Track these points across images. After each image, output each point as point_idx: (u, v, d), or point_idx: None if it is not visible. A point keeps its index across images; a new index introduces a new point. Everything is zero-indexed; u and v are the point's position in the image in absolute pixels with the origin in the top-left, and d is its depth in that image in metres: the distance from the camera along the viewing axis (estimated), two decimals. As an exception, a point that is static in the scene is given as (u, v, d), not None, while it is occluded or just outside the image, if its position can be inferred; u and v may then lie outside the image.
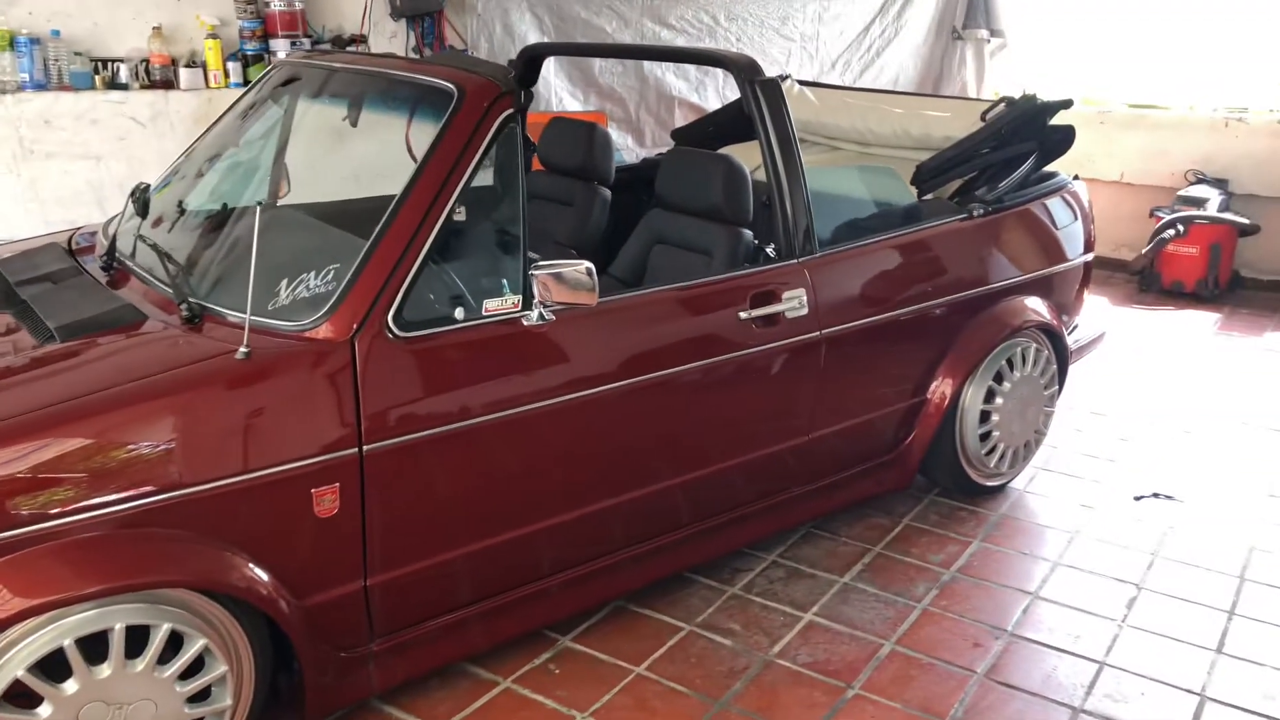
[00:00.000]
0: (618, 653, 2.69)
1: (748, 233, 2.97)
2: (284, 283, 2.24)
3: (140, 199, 2.71)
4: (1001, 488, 3.62)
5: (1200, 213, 6.03)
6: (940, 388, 3.26)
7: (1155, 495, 3.62)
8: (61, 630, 1.84)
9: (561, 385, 2.40)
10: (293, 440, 2.06)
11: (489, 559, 2.43)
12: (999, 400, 3.38)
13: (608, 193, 3.61)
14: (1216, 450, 4.02)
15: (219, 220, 2.59)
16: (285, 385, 2.07)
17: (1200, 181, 6.34)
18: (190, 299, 2.22)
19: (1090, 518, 3.46)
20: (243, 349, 2.05)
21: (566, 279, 2.28)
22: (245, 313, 2.10)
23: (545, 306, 2.32)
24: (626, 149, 5.98)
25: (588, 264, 2.29)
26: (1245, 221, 6.05)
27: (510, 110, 2.35)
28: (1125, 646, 2.75)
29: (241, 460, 2.01)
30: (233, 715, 2.10)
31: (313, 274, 2.24)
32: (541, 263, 2.29)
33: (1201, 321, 5.80)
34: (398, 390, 2.18)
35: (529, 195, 2.47)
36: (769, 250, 2.91)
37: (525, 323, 2.33)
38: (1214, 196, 6.14)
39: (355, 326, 2.13)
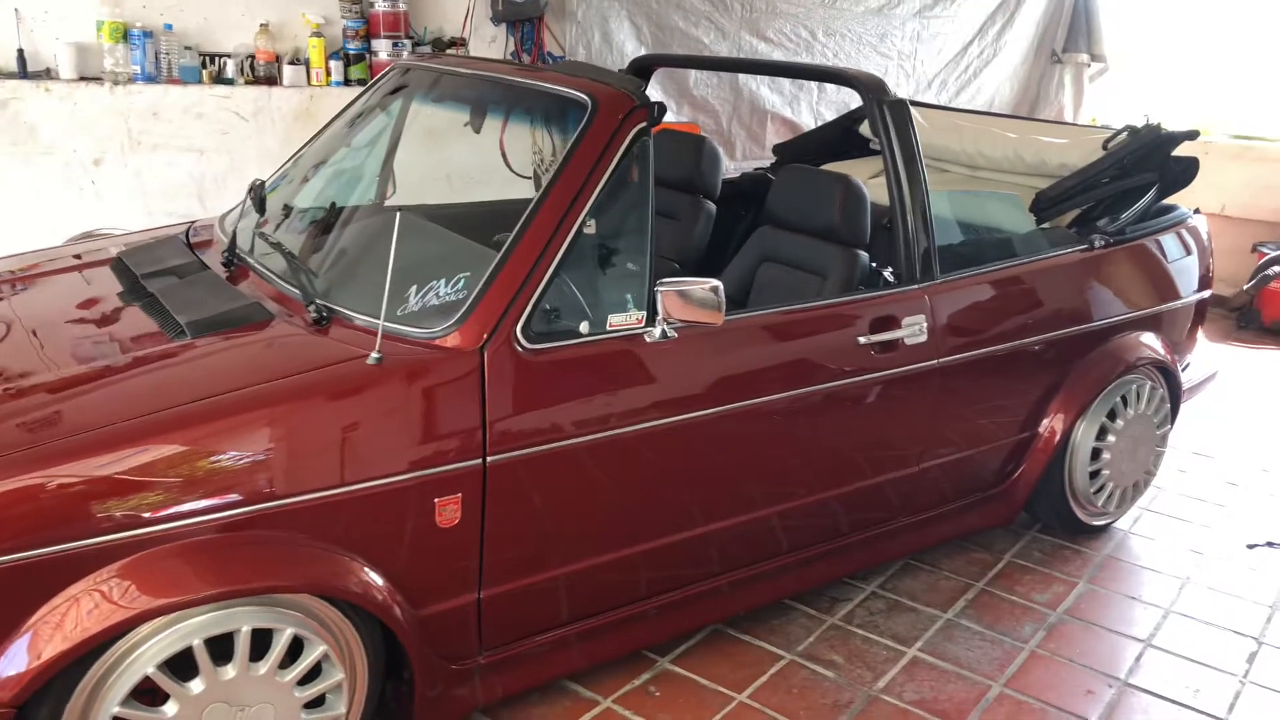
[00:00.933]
0: (719, 678, 2.64)
1: (864, 255, 2.91)
2: (413, 289, 2.22)
3: (257, 196, 2.72)
4: (1106, 527, 3.51)
5: (1307, 250, 5.84)
6: (1052, 423, 3.17)
7: (1270, 544, 3.48)
8: (191, 630, 1.84)
9: (681, 404, 2.36)
10: (419, 448, 2.04)
11: (596, 577, 2.40)
12: (1111, 438, 3.28)
13: (713, 207, 3.57)
14: (1330, 500, 3.87)
15: (344, 221, 2.59)
16: (415, 393, 2.05)
17: (1307, 217, 6.14)
18: (318, 301, 2.22)
19: (1201, 564, 3.34)
20: (374, 354, 2.03)
21: (693, 297, 2.23)
22: (375, 317, 2.10)
23: (669, 324, 2.28)
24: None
25: (715, 282, 2.24)
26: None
27: (643, 124, 2.31)
28: (1249, 705, 2.64)
29: (368, 466, 1.99)
30: (345, 723, 2.09)
31: (443, 281, 2.22)
32: (667, 279, 2.26)
33: (1305, 363, 5.61)
34: (522, 402, 2.15)
35: None
36: (886, 274, 2.85)
37: (647, 339, 2.29)
38: (1322, 234, 5.94)
39: (485, 336, 2.11)
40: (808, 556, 2.84)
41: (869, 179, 3.50)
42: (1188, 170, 3.55)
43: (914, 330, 2.74)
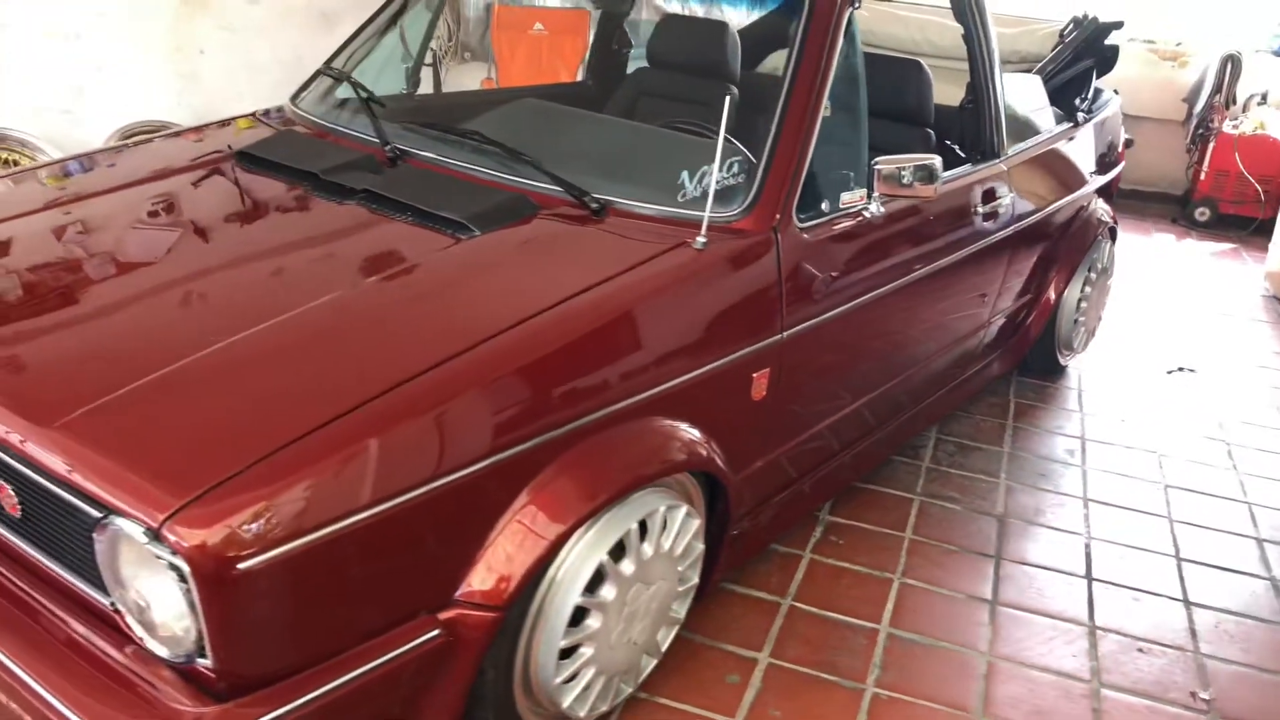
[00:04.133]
0: (878, 522, 2.92)
1: (931, 133, 3.19)
2: (684, 175, 2.24)
3: (342, 79, 2.59)
4: (1066, 367, 4.12)
5: (1090, 128, 6.83)
6: (1057, 280, 3.67)
7: (1180, 369, 4.26)
8: (623, 517, 1.86)
9: (889, 273, 2.57)
10: (744, 325, 2.12)
11: (821, 438, 2.58)
12: (1088, 289, 3.84)
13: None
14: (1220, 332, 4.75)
15: (548, 110, 2.50)
16: (736, 273, 2.11)
17: (1084, 100, 7.15)
18: (591, 194, 2.19)
19: (1143, 387, 4.04)
20: (700, 239, 2.07)
21: (910, 173, 2.41)
22: (653, 204, 2.16)
23: (882, 199, 2.46)
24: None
25: (936, 157, 2.43)
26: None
27: (856, 2, 2.44)
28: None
29: (712, 347, 2.05)
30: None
31: (714, 166, 2.25)
32: (883, 157, 2.42)
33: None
34: (802, 278, 2.27)
35: None
36: (957, 150, 3.15)
37: (866, 215, 2.46)
38: (1099, 114, 6.96)
39: (777, 217, 2.20)
40: (910, 416, 3.16)
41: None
42: (1114, 56, 4.12)
43: (1005, 200, 3.08)
